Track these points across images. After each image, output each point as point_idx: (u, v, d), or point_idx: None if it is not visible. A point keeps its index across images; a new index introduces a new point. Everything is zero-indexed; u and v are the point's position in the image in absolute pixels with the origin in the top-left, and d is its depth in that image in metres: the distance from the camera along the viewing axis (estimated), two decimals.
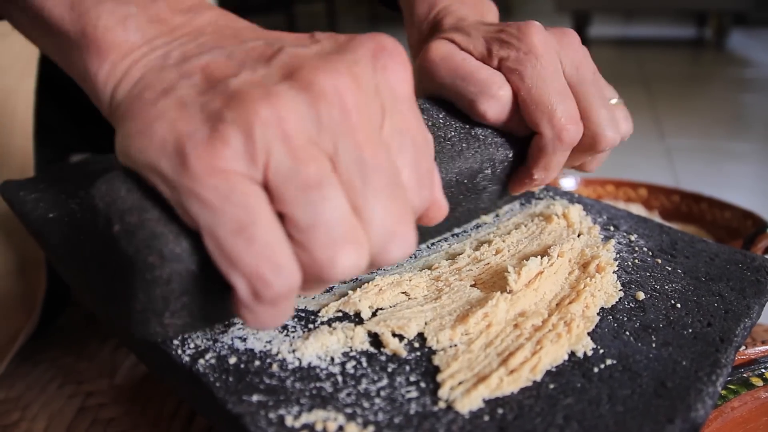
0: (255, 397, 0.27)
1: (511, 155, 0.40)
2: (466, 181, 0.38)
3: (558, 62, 0.38)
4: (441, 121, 0.40)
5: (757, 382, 0.40)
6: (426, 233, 0.41)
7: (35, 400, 0.48)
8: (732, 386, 0.40)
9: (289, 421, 0.26)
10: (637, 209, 0.73)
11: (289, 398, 0.27)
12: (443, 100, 0.41)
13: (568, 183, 0.75)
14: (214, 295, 0.26)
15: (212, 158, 0.22)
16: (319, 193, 0.22)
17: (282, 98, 0.23)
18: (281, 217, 0.23)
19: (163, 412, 0.46)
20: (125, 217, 0.24)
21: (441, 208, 0.29)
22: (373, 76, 0.25)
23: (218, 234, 0.22)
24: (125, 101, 0.26)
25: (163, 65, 0.26)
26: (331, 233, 0.23)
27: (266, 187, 0.23)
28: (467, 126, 0.40)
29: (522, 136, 0.40)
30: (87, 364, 0.53)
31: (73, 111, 0.62)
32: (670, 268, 0.40)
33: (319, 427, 0.26)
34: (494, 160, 0.39)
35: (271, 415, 0.26)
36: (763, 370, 0.41)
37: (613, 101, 0.41)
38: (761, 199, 1.06)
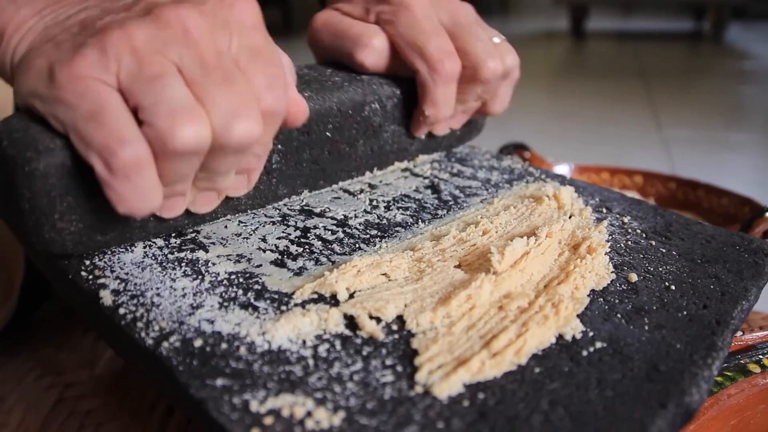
0: (219, 382, 0.26)
1: (398, 92, 0.44)
2: (351, 112, 0.42)
3: (430, 9, 0.43)
4: (327, 72, 0.44)
5: (755, 368, 0.39)
6: (339, 174, 0.44)
7: (11, 393, 0.46)
8: (729, 373, 0.38)
9: (254, 406, 0.24)
10: (633, 196, 0.71)
11: (256, 382, 0.26)
12: (335, 63, 0.46)
13: (562, 170, 0.73)
14: (95, 199, 0.30)
15: (72, 68, 0.27)
16: (160, 81, 0.27)
17: (133, 25, 0.28)
18: (135, 113, 0.27)
19: (142, 404, 0.44)
20: (13, 134, 0.29)
21: (299, 105, 0.33)
22: (221, 12, 0.30)
23: (76, 124, 0.27)
24: (20, 62, 0.30)
25: (51, 25, 0.31)
26: (170, 107, 0.26)
27: (121, 91, 0.27)
28: (353, 73, 0.44)
29: (410, 78, 0.44)
30: (67, 355, 0.51)
31: None
32: (664, 250, 0.38)
33: (285, 412, 0.24)
34: (379, 95, 0.43)
35: (236, 400, 0.25)
36: (760, 357, 0.40)
37: (496, 40, 0.45)
38: (759, 189, 1.04)
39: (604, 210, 0.43)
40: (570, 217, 0.40)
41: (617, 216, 0.42)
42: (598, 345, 0.29)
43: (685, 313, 0.32)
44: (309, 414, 0.24)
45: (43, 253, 0.33)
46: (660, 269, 0.36)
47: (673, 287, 0.34)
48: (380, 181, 0.45)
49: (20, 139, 0.29)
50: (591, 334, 0.30)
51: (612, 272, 0.35)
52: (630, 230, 0.40)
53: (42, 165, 0.28)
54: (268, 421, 0.24)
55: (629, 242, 0.39)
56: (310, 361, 0.27)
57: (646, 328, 0.31)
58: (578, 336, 0.30)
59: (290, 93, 0.33)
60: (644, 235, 0.40)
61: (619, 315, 0.32)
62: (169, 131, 0.27)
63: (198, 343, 0.28)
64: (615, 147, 1.30)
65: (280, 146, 0.39)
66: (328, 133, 0.41)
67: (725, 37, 2.65)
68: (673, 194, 0.71)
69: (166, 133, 0.27)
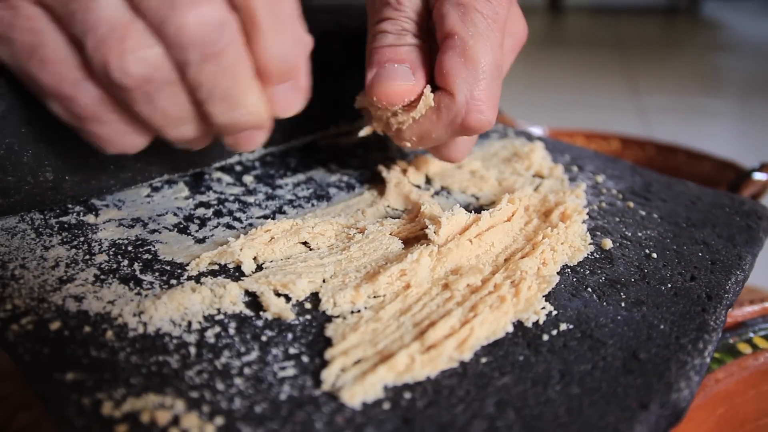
0: (70, 375, 0.20)
1: None
2: None
3: None
4: None
5: (745, 348, 0.33)
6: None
7: None
8: (716, 354, 0.33)
9: (106, 409, 0.18)
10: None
11: (117, 377, 0.20)
12: None
13: (534, 133, 0.68)
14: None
15: None
16: None
17: None
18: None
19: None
20: None
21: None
22: None
23: (17, 62, 0.22)
24: None
25: None
26: (104, 31, 0.21)
27: (48, 11, 0.22)
28: None
29: None
30: None
31: None
32: (644, 213, 0.32)
33: (145, 417, 0.18)
34: None
35: (85, 401, 0.19)
36: (751, 335, 0.34)
37: None
38: (738, 153, 1.00)
39: (576, 168, 0.37)
40: (541, 179, 0.34)
41: (590, 174, 0.36)
42: (563, 327, 0.23)
43: (669, 285, 0.26)
44: (176, 420, 0.18)
45: None
46: (639, 234, 0.30)
47: (654, 255, 0.28)
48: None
49: None
50: (555, 313, 0.24)
51: (590, 244, 0.29)
52: (604, 191, 0.34)
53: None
54: (121, 430, 0.18)
55: (603, 204, 0.33)
56: (192, 350, 0.21)
57: (623, 304, 0.25)
58: (542, 321, 0.24)
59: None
60: (621, 196, 0.34)
61: (589, 289, 0.26)
62: (110, 64, 0.21)
63: (55, 325, 0.22)
64: (591, 114, 1.25)
65: None
66: None
67: (701, 10, 2.61)
68: (651, 159, 0.66)
69: (106, 67, 0.21)
